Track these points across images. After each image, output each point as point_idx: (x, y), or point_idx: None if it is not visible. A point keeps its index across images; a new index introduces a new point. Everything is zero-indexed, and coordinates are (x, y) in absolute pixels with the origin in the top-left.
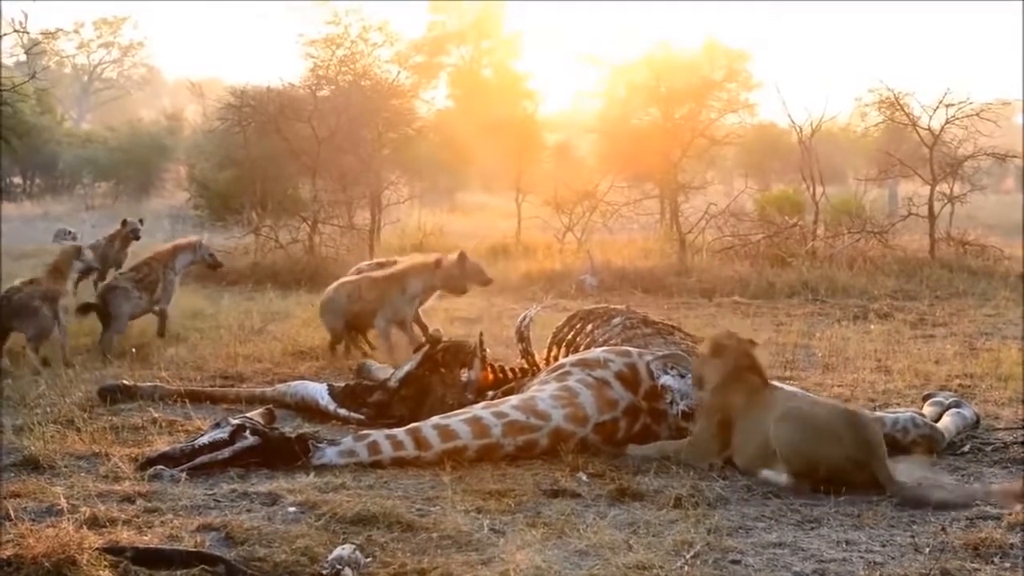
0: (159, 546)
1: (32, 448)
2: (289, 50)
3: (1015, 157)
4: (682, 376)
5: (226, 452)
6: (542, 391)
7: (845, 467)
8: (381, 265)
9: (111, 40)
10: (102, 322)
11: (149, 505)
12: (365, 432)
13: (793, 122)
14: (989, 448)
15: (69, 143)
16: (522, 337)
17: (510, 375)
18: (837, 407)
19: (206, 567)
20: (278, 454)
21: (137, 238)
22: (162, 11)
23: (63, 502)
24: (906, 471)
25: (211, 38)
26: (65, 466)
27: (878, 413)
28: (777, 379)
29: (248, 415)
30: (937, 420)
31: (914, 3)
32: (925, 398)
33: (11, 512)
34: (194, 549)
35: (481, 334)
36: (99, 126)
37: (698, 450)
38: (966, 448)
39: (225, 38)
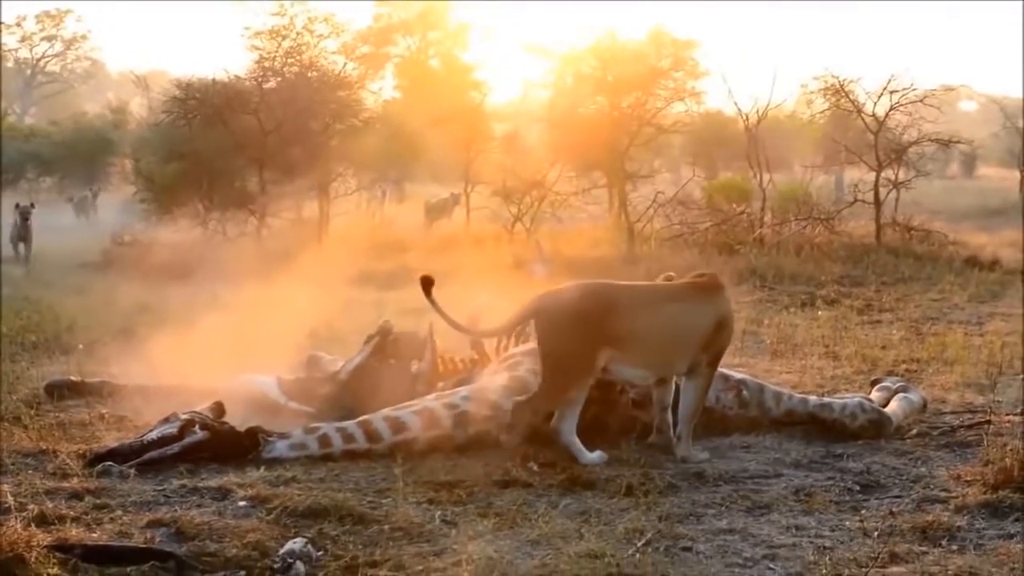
0: (109, 543)
1: None
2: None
3: (959, 143)
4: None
5: (175, 447)
6: (493, 381)
7: None
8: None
9: (54, 33)
10: None
11: (98, 502)
12: (315, 425)
13: (739, 110)
14: (936, 432)
15: (12, 137)
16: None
17: (460, 366)
18: None
19: (156, 563)
20: (228, 448)
21: None
22: (105, 3)
23: (10, 500)
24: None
25: (155, 31)
26: (12, 463)
27: (827, 399)
28: (726, 366)
29: (197, 409)
30: (885, 405)
31: None
32: (873, 383)
33: None
34: (144, 545)
35: (431, 325)
36: (43, 120)
37: None
38: (913, 432)
39: (170, 30)
